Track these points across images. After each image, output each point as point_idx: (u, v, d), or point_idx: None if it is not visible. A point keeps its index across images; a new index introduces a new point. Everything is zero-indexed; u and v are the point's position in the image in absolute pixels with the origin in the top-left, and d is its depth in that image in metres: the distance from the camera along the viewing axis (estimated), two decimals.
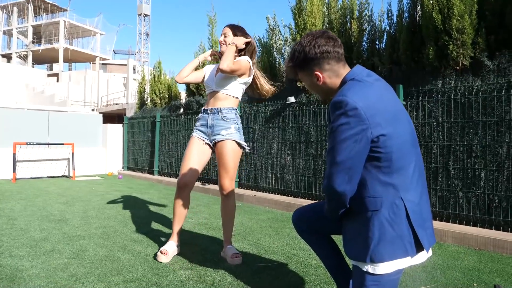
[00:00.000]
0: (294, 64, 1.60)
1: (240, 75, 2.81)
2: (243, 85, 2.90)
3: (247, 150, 2.92)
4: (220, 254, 2.90)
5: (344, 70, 1.57)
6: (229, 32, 2.83)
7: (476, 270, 2.69)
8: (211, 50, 3.03)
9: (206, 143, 2.90)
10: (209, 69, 3.01)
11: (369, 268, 1.41)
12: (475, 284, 2.41)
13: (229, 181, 2.81)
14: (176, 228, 2.87)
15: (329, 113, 1.46)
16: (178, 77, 2.92)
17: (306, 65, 1.57)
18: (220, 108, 2.82)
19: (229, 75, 2.78)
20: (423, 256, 1.45)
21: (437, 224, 3.67)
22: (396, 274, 1.42)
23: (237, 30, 2.86)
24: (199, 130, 2.92)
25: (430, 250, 1.47)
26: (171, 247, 2.80)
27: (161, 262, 2.68)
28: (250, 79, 2.91)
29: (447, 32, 3.89)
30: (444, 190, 3.86)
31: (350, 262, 1.61)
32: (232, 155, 2.80)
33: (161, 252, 2.72)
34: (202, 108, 2.92)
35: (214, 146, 2.88)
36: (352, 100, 1.36)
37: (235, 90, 2.86)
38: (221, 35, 2.88)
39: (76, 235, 3.36)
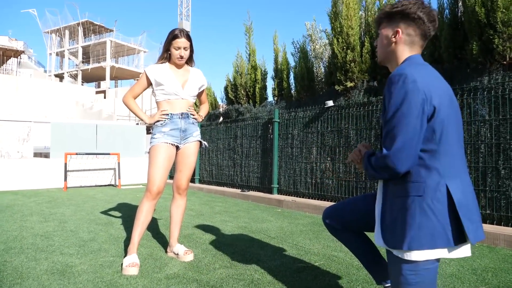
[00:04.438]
0: (389, 11, 1.54)
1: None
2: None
3: (206, 146, 3.15)
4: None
5: (413, 52, 1.53)
6: (188, 45, 2.85)
7: None
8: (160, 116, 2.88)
9: (175, 147, 2.90)
10: (162, 75, 2.87)
11: (405, 255, 1.36)
12: None
13: (188, 180, 3.00)
14: (139, 238, 2.70)
15: (383, 96, 1.45)
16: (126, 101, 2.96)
17: (396, 17, 1.53)
18: (188, 113, 2.94)
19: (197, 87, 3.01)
20: (464, 251, 1.39)
21: (488, 227, 3.47)
22: (433, 263, 1.37)
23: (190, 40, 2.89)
24: (169, 135, 2.84)
25: (470, 251, 1.40)
26: (136, 259, 2.58)
27: (132, 275, 2.43)
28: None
29: (491, 26, 3.73)
30: (494, 191, 3.65)
31: (384, 255, 1.57)
32: (196, 155, 3.02)
33: (130, 265, 2.48)
34: (170, 113, 2.84)
35: (178, 148, 2.93)
36: (411, 74, 1.36)
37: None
38: (179, 49, 2.82)
39: (121, 236, 3.49)
